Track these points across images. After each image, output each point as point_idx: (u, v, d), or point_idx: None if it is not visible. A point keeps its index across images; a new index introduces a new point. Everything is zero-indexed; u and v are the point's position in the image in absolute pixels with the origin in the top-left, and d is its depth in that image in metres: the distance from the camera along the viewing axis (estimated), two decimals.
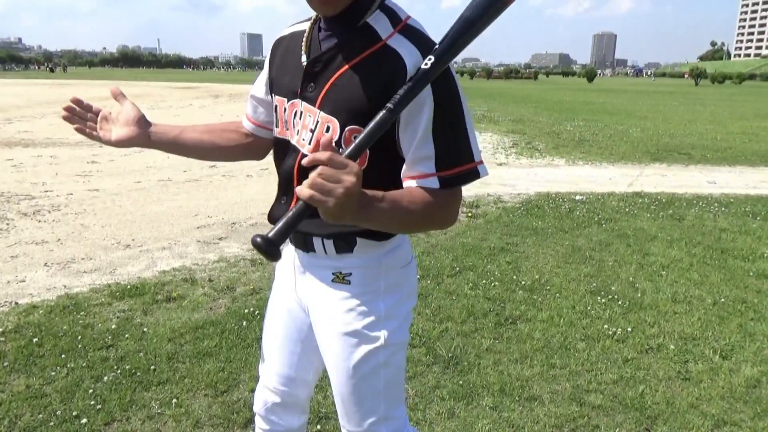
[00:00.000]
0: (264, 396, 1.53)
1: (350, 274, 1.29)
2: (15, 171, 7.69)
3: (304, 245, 1.32)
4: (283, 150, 1.32)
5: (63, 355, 2.82)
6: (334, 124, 1.17)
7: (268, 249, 0.96)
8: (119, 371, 2.68)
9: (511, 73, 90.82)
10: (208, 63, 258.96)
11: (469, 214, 5.69)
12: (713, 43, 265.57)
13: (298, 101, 1.25)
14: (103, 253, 4.45)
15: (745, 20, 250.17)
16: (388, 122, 1.04)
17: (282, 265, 1.45)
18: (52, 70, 75.42)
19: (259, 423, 1.58)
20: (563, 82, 65.18)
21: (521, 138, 12.16)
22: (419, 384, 2.65)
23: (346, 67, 1.17)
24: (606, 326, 3.28)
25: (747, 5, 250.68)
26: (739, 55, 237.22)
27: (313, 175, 0.95)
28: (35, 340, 2.96)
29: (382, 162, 1.19)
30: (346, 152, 1.01)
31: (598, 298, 3.70)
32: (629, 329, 3.26)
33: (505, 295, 3.69)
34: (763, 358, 2.99)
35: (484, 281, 3.91)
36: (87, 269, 4.10)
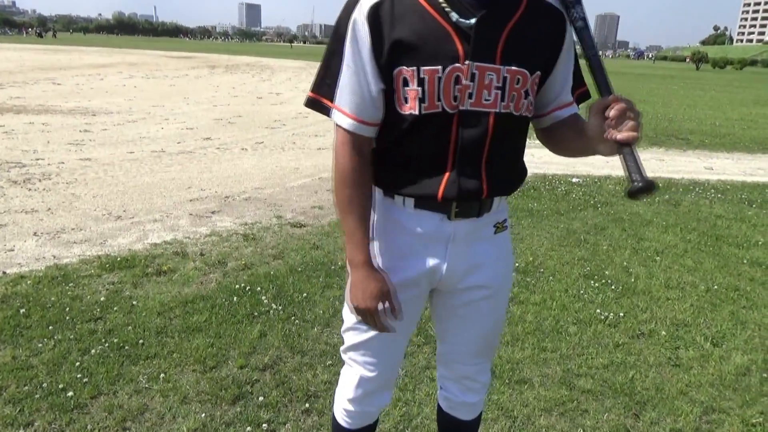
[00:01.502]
0: (365, 386, 1.51)
1: (505, 219, 1.43)
2: (6, 138, 7.57)
3: (479, 211, 1.34)
4: (443, 121, 1.22)
5: (50, 327, 2.78)
6: (524, 75, 1.23)
7: (655, 186, 1.13)
8: (107, 344, 2.65)
9: None
10: (205, 33, 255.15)
11: None
12: (716, 28, 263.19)
13: (464, 65, 1.18)
14: (93, 224, 4.40)
15: (749, 5, 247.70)
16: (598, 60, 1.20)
17: (409, 249, 1.36)
18: (40, 35, 73.60)
19: (355, 409, 1.56)
20: None
21: None
22: (409, 364, 2.63)
23: (515, 20, 1.21)
24: (598, 310, 3.28)
25: None
26: (741, 41, 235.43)
27: (634, 120, 1.11)
28: (22, 310, 2.93)
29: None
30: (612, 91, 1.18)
31: (592, 282, 3.69)
32: (621, 314, 3.25)
33: None
34: (754, 346, 2.99)
35: None
36: (77, 240, 4.05)
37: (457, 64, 1.17)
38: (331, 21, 1.24)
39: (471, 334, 1.49)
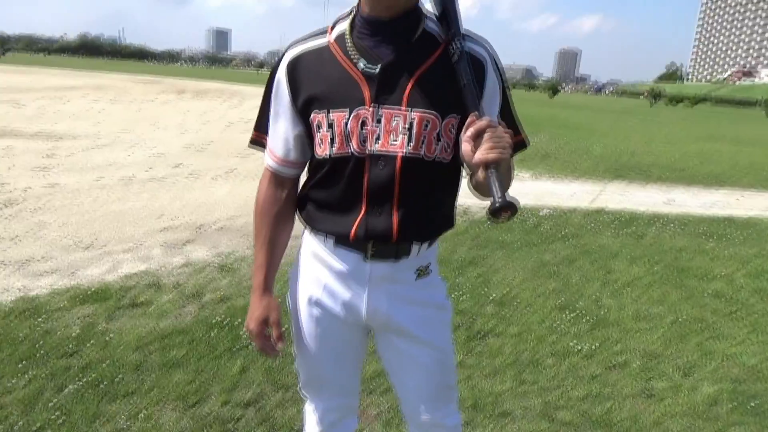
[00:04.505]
0: (327, 417, 1.60)
1: (429, 264, 1.44)
2: None
3: (396, 254, 1.36)
4: (355, 164, 1.28)
5: (22, 363, 2.69)
6: (434, 118, 1.26)
7: (515, 206, 1.12)
8: (83, 381, 2.58)
9: None
10: (171, 57, 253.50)
11: None
12: (668, 67, 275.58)
13: (368, 109, 1.25)
14: (62, 254, 4.28)
15: (696, 46, 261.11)
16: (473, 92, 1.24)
17: (331, 284, 1.42)
18: None
19: None
20: (527, 96, 66.51)
21: None
22: (392, 399, 2.64)
23: (425, 67, 1.27)
24: (573, 342, 3.36)
25: (700, 31, 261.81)
26: (692, 79, 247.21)
27: (491, 141, 1.13)
28: None
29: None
30: (483, 114, 1.20)
31: (565, 313, 3.78)
32: (596, 346, 3.34)
33: (475, 309, 3.72)
34: (721, 376, 3.11)
35: (454, 294, 3.94)
36: (46, 270, 3.94)
37: (363, 108, 1.25)
38: None
39: (417, 379, 1.50)
